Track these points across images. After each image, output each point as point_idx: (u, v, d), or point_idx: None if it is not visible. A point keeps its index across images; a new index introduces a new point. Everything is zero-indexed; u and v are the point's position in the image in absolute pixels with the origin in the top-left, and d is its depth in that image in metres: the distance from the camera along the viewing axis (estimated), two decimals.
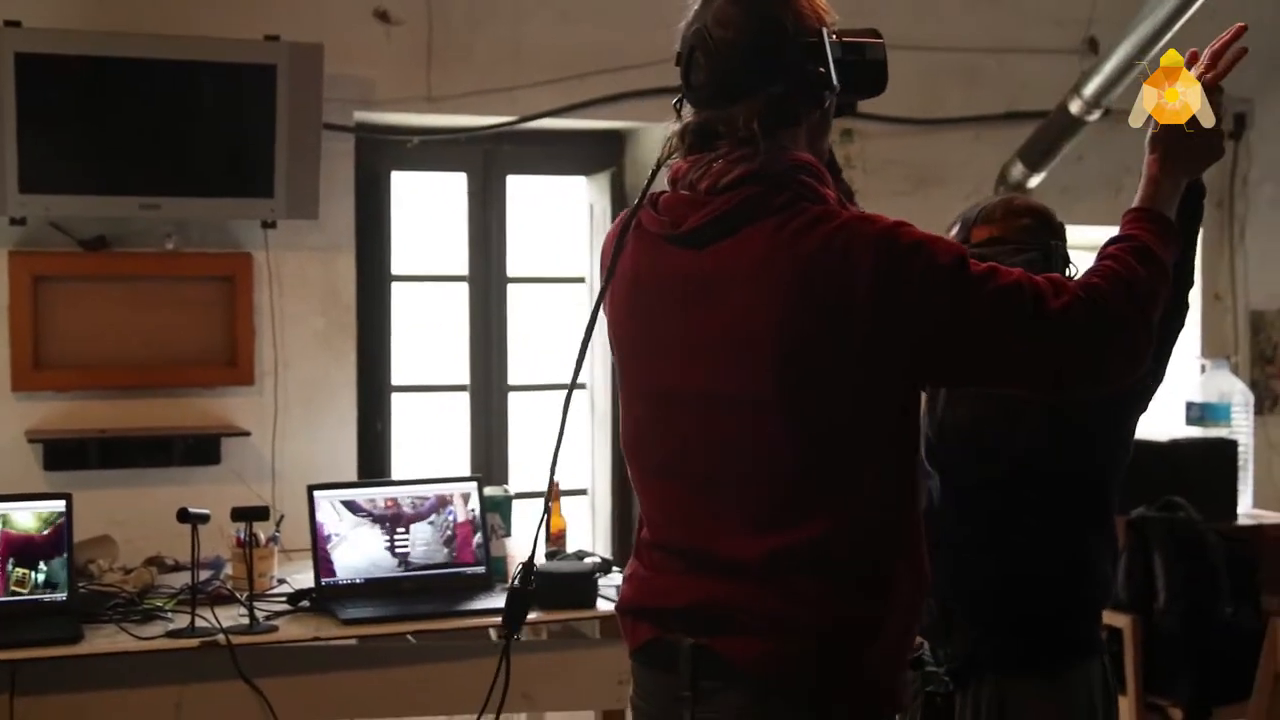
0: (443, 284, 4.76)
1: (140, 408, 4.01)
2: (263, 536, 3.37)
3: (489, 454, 4.62)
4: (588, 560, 3.49)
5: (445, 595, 3.35)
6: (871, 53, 1.93)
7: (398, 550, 3.41)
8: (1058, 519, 2.48)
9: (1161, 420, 4.51)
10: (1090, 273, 1.86)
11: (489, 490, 3.56)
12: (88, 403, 3.97)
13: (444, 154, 4.53)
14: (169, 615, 3.16)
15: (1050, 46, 4.83)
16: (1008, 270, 1.81)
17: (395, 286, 4.51)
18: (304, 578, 3.43)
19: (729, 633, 1.84)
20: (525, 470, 4.64)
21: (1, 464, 3.86)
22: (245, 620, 3.11)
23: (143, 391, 4.02)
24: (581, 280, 4.80)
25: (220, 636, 3.02)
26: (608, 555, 4.08)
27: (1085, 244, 4.82)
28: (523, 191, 4.76)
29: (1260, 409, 5.00)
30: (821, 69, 1.85)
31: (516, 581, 1.99)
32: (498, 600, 3.31)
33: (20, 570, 3.16)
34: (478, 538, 3.47)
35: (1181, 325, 2.38)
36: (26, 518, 3.19)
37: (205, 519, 3.13)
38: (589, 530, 4.81)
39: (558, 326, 4.94)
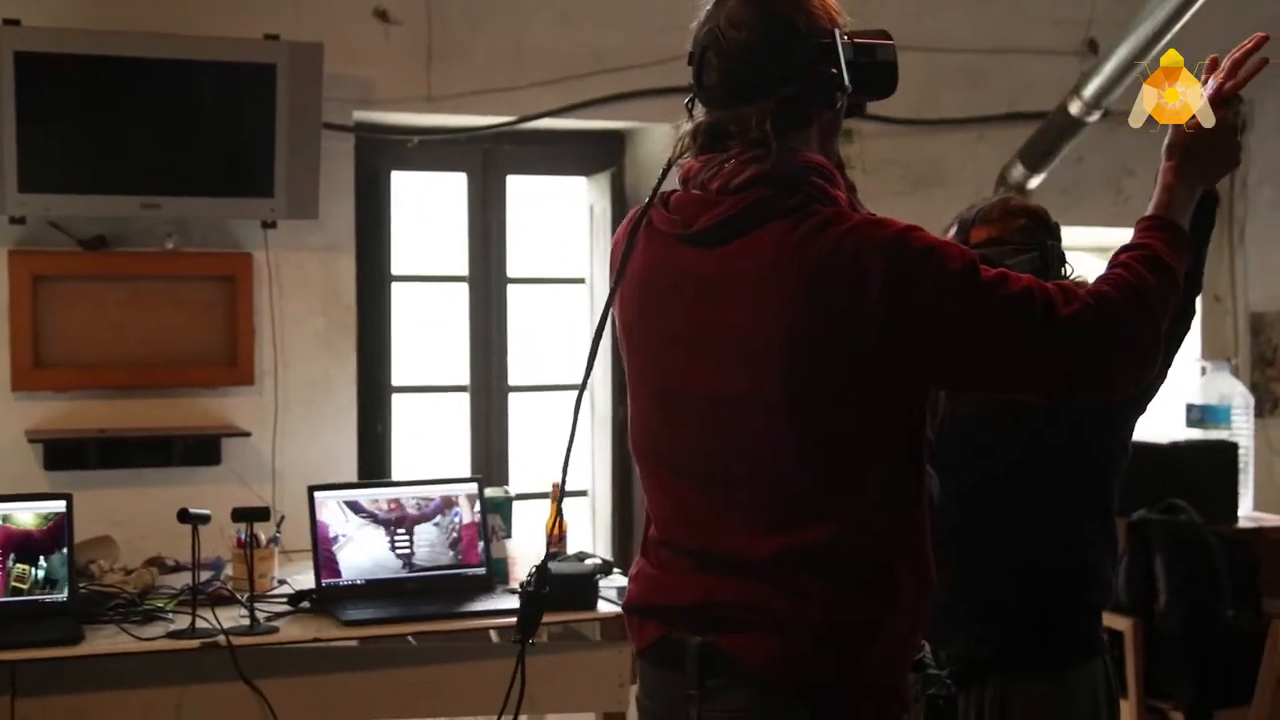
0: (443, 284, 4.75)
1: (140, 408, 4.00)
2: (263, 537, 3.37)
3: (489, 455, 4.61)
4: (588, 562, 3.48)
5: (446, 597, 3.34)
6: (882, 54, 1.94)
7: (401, 551, 3.40)
8: (1058, 519, 2.49)
9: (1162, 423, 4.51)
10: (1101, 280, 1.87)
11: (489, 491, 3.56)
12: (88, 402, 3.96)
13: (444, 154, 4.52)
14: (169, 616, 3.16)
15: (1050, 47, 4.82)
16: (1018, 276, 1.81)
17: (395, 286, 4.50)
18: (304, 579, 3.42)
19: (735, 631, 1.84)
20: (525, 471, 4.63)
21: (1, 464, 3.85)
22: (246, 621, 3.11)
23: (143, 391, 4.01)
24: (581, 281, 4.79)
25: (221, 637, 3.01)
26: (608, 556, 4.08)
27: (1085, 244, 4.86)
28: (523, 192, 4.75)
29: (1260, 411, 4.99)
30: (834, 70, 1.86)
31: (531, 585, 1.98)
32: (498, 601, 3.31)
33: (20, 566, 3.16)
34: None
35: (1187, 330, 2.39)
36: (27, 518, 3.19)
37: (206, 519, 3.12)
38: (589, 531, 4.81)
39: (558, 327, 4.93)
